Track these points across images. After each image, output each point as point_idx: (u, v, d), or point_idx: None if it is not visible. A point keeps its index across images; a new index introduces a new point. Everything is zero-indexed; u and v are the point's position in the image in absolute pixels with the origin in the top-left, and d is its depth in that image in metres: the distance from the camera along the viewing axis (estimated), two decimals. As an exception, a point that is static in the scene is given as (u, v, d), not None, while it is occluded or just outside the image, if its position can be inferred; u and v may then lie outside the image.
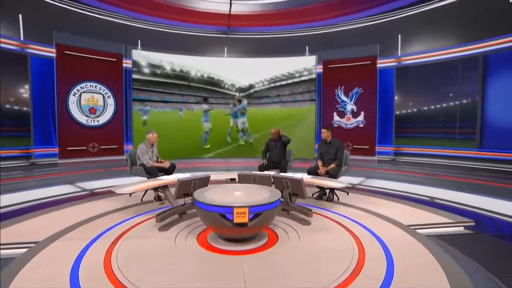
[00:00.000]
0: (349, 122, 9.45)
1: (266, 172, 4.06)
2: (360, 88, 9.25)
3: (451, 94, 8.24)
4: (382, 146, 9.16)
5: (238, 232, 2.42)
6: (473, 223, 3.10)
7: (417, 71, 8.69)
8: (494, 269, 2.10)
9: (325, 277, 1.94)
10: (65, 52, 8.14)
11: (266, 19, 10.18)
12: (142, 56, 9.22)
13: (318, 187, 4.09)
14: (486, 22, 7.62)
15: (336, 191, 4.12)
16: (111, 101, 8.87)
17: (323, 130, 4.34)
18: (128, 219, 3.19)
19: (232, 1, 9.49)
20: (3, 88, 7.24)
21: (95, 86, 8.62)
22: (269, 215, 2.50)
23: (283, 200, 3.20)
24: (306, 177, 3.62)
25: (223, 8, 9.70)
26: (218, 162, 9.13)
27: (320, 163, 4.24)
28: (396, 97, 9.03)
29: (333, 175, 3.97)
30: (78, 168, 7.30)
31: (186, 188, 3.14)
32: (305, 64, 9.79)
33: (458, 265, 2.13)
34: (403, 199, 4.13)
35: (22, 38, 7.63)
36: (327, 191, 4.06)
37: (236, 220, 2.30)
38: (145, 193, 4.08)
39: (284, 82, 10.03)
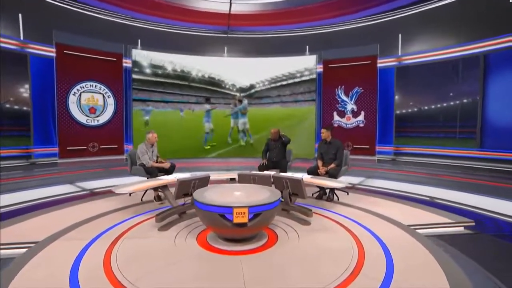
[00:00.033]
0: (349, 121, 9.45)
1: (266, 172, 4.06)
2: (360, 88, 9.25)
3: (451, 94, 8.23)
4: (382, 145, 9.16)
5: (238, 232, 2.42)
6: (473, 223, 3.09)
7: (417, 71, 8.68)
8: (493, 269, 2.10)
9: (325, 277, 1.94)
10: (65, 51, 8.14)
11: (266, 18, 10.17)
12: (143, 56, 9.22)
13: (318, 187, 4.09)
14: (487, 21, 7.61)
15: (336, 191, 4.12)
16: (111, 101, 8.87)
17: (323, 130, 4.34)
18: (128, 219, 3.18)
19: (232, 1, 9.48)
20: (3, 87, 7.24)
21: (95, 86, 8.62)
22: (269, 215, 2.50)
23: (283, 200, 3.19)
24: (306, 177, 3.61)
25: (223, 8, 9.69)
26: (218, 162, 9.13)
27: (320, 163, 4.24)
28: (396, 97, 9.03)
29: (333, 175, 3.97)
30: (78, 168, 7.30)
31: (185, 188, 3.14)
32: (306, 64, 9.79)
33: (457, 265, 2.13)
34: (403, 199, 4.13)
35: (22, 38, 7.63)
36: (327, 191, 4.05)
37: (235, 220, 2.30)
38: (144, 193, 4.08)
39: (284, 82, 10.02)
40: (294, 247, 2.48)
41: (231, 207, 2.30)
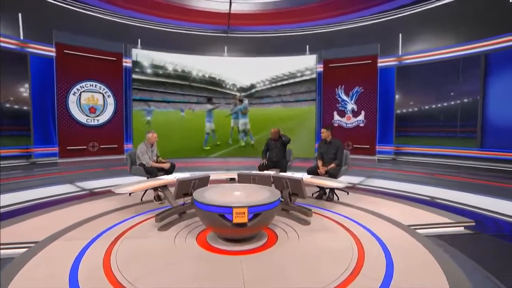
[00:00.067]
0: (349, 121, 9.44)
1: (266, 172, 4.06)
2: (361, 87, 9.23)
3: (452, 93, 8.22)
4: (382, 145, 9.15)
5: (238, 232, 2.42)
6: (474, 223, 3.09)
7: (418, 70, 8.67)
8: (493, 268, 2.10)
9: (325, 277, 1.94)
10: (65, 51, 8.13)
11: (266, 18, 10.15)
12: (145, 57, 9.20)
13: (318, 186, 4.08)
14: (488, 21, 7.59)
15: (336, 191, 4.11)
16: (111, 100, 8.86)
17: (323, 130, 4.34)
18: (128, 219, 3.18)
19: (232, 0, 9.47)
20: (3, 87, 7.24)
21: (95, 85, 8.62)
22: (269, 215, 2.50)
23: (282, 200, 3.19)
24: (306, 177, 3.61)
25: (223, 7, 9.68)
26: (218, 161, 9.13)
27: (320, 162, 4.23)
28: (396, 96, 9.02)
29: (333, 174, 3.96)
30: (78, 168, 7.30)
31: (185, 188, 3.14)
32: (306, 64, 9.77)
33: (457, 265, 2.13)
34: (404, 199, 4.12)
35: (21, 37, 7.63)
36: (327, 190, 4.05)
37: (235, 220, 2.30)
38: (144, 192, 4.08)
39: (285, 82, 10.00)
40: (294, 247, 2.48)
41: (231, 207, 2.29)
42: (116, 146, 8.95)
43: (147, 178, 4.08)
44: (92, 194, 4.49)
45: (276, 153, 4.89)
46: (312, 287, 1.85)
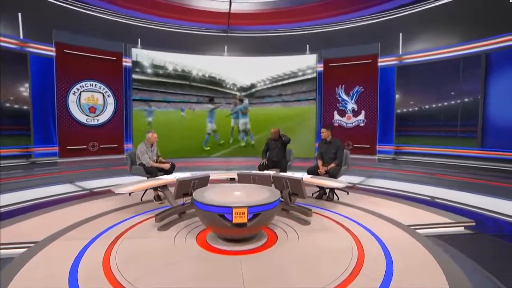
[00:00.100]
0: (349, 121, 9.43)
1: (265, 172, 4.05)
2: (361, 87, 9.22)
3: (452, 93, 8.21)
4: (382, 145, 9.14)
5: (237, 232, 2.42)
6: (474, 223, 3.08)
7: (418, 70, 8.66)
8: (493, 268, 2.10)
9: (325, 277, 1.94)
10: (65, 50, 8.13)
11: (266, 17, 10.14)
12: (145, 57, 9.19)
13: (318, 186, 4.08)
14: (489, 20, 7.58)
15: (336, 191, 4.11)
16: (111, 100, 8.86)
17: (322, 130, 4.33)
18: (128, 218, 3.18)
19: (232, 0, 9.45)
20: (3, 86, 7.25)
21: (95, 85, 8.61)
22: (268, 215, 2.50)
23: (282, 200, 3.19)
24: (306, 177, 3.61)
25: (223, 7, 9.67)
26: (218, 161, 9.13)
27: (320, 162, 4.23)
28: (397, 96, 9.01)
29: (333, 174, 3.96)
30: (78, 167, 7.30)
31: (185, 188, 3.14)
32: (306, 63, 9.76)
33: (457, 265, 2.13)
34: (404, 199, 4.12)
35: (21, 37, 7.62)
36: (327, 190, 4.05)
37: (235, 220, 2.29)
38: (144, 192, 4.08)
39: (285, 81, 9.99)
40: (294, 247, 2.48)
41: (231, 207, 2.29)
42: (116, 145, 8.95)
43: (147, 178, 4.08)
44: (92, 194, 4.49)
45: (276, 153, 4.88)
46: (312, 287, 1.85)
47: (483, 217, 3.38)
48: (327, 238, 2.66)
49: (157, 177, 3.80)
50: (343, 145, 4.26)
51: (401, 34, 8.92)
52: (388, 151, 9.08)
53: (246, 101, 10.03)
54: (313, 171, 4.15)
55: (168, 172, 4.25)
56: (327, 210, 3.52)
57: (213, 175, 3.78)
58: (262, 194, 2.62)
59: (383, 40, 9.00)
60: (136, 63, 9.11)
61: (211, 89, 10.00)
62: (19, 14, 7.62)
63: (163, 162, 4.34)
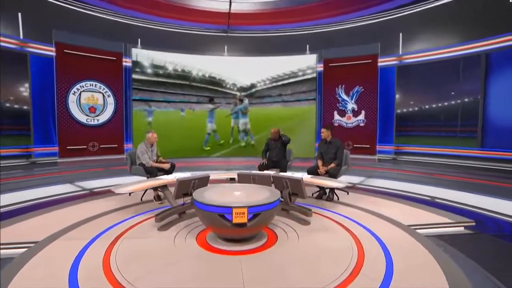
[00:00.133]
0: (349, 121, 9.43)
1: (265, 172, 4.05)
2: (361, 87, 9.22)
3: (452, 93, 8.21)
4: (382, 145, 9.14)
5: (237, 232, 2.42)
6: (474, 223, 3.08)
7: (418, 70, 8.66)
8: (493, 268, 2.09)
9: (325, 277, 1.94)
10: (65, 50, 8.13)
11: (266, 17, 10.14)
12: (145, 57, 9.19)
13: (318, 186, 4.08)
14: (489, 20, 7.58)
15: (336, 191, 4.11)
16: (111, 100, 8.86)
17: (322, 130, 4.33)
18: (128, 218, 3.18)
19: (232, 0, 9.45)
20: (3, 86, 7.25)
21: (95, 85, 8.61)
22: (268, 215, 2.50)
23: (282, 200, 3.19)
24: (306, 177, 3.61)
25: (223, 7, 9.66)
26: (218, 161, 9.13)
27: (320, 162, 4.23)
28: (397, 96, 9.01)
29: (333, 174, 3.96)
30: (78, 167, 7.30)
31: (185, 188, 3.14)
32: (306, 63, 9.76)
33: (457, 265, 2.13)
34: (404, 199, 4.12)
35: (21, 37, 7.62)
36: (327, 190, 4.05)
37: (235, 220, 2.29)
38: (144, 192, 4.08)
39: (286, 81, 9.99)
40: (294, 247, 2.48)
41: (231, 207, 2.29)
42: (116, 145, 8.95)
43: (147, 178, 4.07)
44: (92, 194, 4.49)
45: (276, 153, 4.88)
46: (312, 287, 1.85)
47: (483, 217, 3.38)
48: (327, 238, 2.66)
49: (157, 177, 3.80)
50: (343, 145, 4.26)
51: (401, 34, 8.92)
52: (388, 151, 9.08)
53: (246, 101, 10.03)
54: (313, 171, 4.15)
55: (168, 172, 4.25)
56: (327, 210, 3.52)
57: (213, 175, 3.78)
58: (262, 194, 2.62)
59: (383, 40, 9.00)
60: (136, 63, 9.11)
61: (211, 89, 10.00)
62: (19, 14, 7.62)
63: (163, 162, 4.34)
